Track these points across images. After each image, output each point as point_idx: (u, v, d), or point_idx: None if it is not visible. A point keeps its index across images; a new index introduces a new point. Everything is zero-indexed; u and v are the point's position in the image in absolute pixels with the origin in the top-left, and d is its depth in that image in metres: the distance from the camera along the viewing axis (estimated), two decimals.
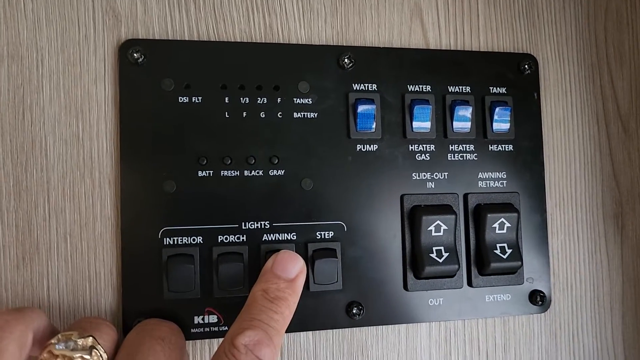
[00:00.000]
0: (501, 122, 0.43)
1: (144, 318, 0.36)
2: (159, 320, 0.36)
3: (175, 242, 0.37)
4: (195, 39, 0.39)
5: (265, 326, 0.31)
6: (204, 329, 0.37)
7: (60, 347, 0.29)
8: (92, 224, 0.37)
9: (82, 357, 0.29)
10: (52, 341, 0.29)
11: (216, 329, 0.38)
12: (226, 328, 0.38)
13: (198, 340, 0.39)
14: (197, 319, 0.37)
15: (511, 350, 0.44)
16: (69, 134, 0.37)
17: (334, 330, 0.41)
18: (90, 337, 0.30)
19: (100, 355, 0.30)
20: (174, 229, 0.37)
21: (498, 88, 0.44)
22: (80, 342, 0.29)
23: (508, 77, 0.44)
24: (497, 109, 0.42)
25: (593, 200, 0.46)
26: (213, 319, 0.38)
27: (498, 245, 0.42)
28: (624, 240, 0.47)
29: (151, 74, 0.38)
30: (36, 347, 0.30)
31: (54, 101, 0.37)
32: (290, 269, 0.35)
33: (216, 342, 0.39)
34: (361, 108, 0.40)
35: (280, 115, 0.39)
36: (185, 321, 0.37)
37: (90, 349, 0.29)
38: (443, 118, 0.42)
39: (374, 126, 0.41)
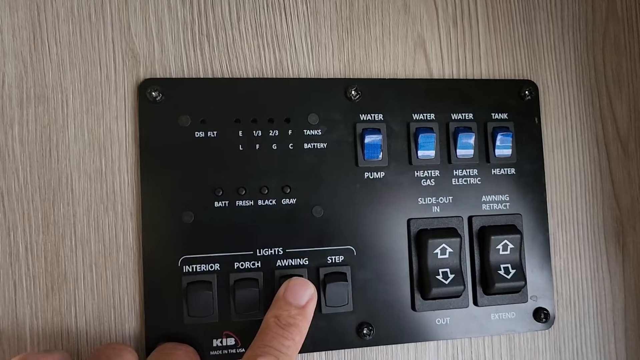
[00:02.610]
0: (503, 148, 0.44)
1: (165, 342, 0.38)
2: (176, 343, 0.38)
3: (194, 270, 0.39)
4: (210, 76, 0.41)
5: (277, 352, 0.33)
6: (222, 352, 0.39)
7: None
8: (116, 254, 0.39)
9: None
10: None
11: (234, 351, 0.40)
12: (243, 350, 0.40)
13: None
14: (216, 342, 0.39)
15: None
16: (93, 169, 0.39)
17: (346, 350, 0.42)
18: None
19: None
20: (192, 257, 0.39)
21: (500, 114, 0.45)
22: None
23: (509, 103, 0.46)
24: (499, 136, 0.44)
25: (594, 219, 0.48)
26: (231, 341, 0.40)
27: (502, 265, 0.43)
28: (625, 257, 0.48)
29: (169, 111, 0.40)
30: None
31: (78, 139, 0.39)
32: (301, 296, 0.37)
33: None
34: (368, 138, 0.42)
35: (291, 146, 0.41)
36: (205, 344, 0.39)
37: None
38: (447, 144, 0.44)
39: (380, 155, 0.43)
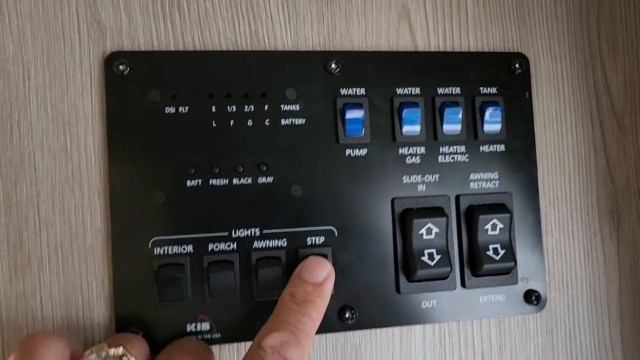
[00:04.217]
0: (492, 123, 0.42)
1: (136, 328, 0.37)
2: (189, 338, 0.37)
3: (166, 252, 0.38)
4: (181, 49, 0.39)
5: (293, 328, 0.32)
6: (196, 337, 0.38)
7: (93, 357, 0.31)
8: (83, 236, 0.37)
9: None
10: (85, 353, 0.31)
11: (209, 336, 0.38)
12: (219, 335, 0.38)
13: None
14: (190, 327, 0.38)
15: (507, 350, 0.44)
16: (57, 147, 0.37)
17: (327, 334, 0.41)
18: (121, 347, 0.32)
19: None
20: (164, 238, 0.38)
21: (488, 88, 0.43)
22: (111, 351, 0.32)
23: (499, 77, 0.44)
24: (488, 110, 0.42)
25: (588, 197, 0.46)
26: (206, 326, 0.38)
27: (491, 246, 0.41)
28: (620, 236, 0.46)
29: (137, 86, 0.38)
30: None
31: (42, 115, 0.37)
32: (317, 274, 0.36)
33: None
34: (349, 114, 0.40)
35: (268, 122, 0.40)
36: (178, 329, 0.38)
37: (121, 358, 0.32)
38: (433, 120, 0.42)
39: (362, 131, 0.41)
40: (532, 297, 0.43)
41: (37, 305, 0.37)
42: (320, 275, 0.36)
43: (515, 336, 0.44)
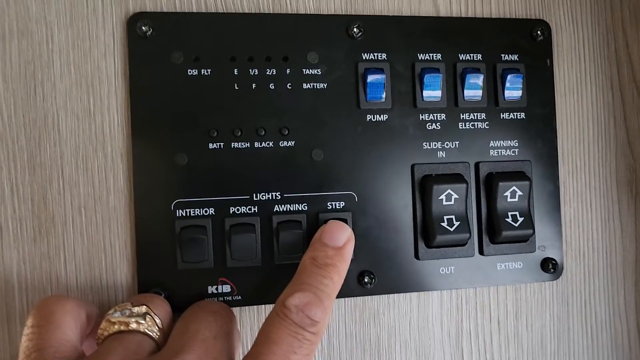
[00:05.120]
0: (513, 90, 0.42)
1: (159, 289, 0.37)
2: (211, 300, 0.38)
3: (188, 214, 0.38)
4: (204, 11, 0.39)
5: (315, 289, 0.33)
6: (217, 299, 0.38)
7: (117, 315, 0.32)
8: (106, 197, 0.38)
9: (137, 321, 0.32)
10: (109, 312, 0.32)
11: (230, 298, 0.38)
12: (239, 297, 0.38)
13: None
14: (211, 289, 0.38)
15: (523, 317, 0.44)
16: (81, 108, 0.37)
17: (346, 298, 0.41)
18: (144, 306, 0.33)
19: (154, 320, 0.33)
20: (186, 201, 0.38)
21: (510, 55, 0.43)
22: (135, 309, 0.32)
23: (520, 44, 0.43)
24: (509, 76, 0.42)
25: (606, 167, 0.46)
26: (227, 288, 0.38)
27: (510, 213, 0.41)
28: (637, 207, 0.46)
29: (160, 47, 0.38)
30: (92, 333, 0.34)
31: (65, 76, 0.37)
32: (338, 238, 0.36)
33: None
34: (371, 78, 0.40)
35: (289, 86, 0.39)
36: (200, 291, 0.38)
37: (144, 315, 0.32)
38: (454, 86, 0.42)
39: (383, 96, 0.40)
40: (549, 266, 0.43)
41: (60, 266, 0.37)
42: (341, 239, 0.36)
43: (531, 304, 0.44)
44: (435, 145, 0.42)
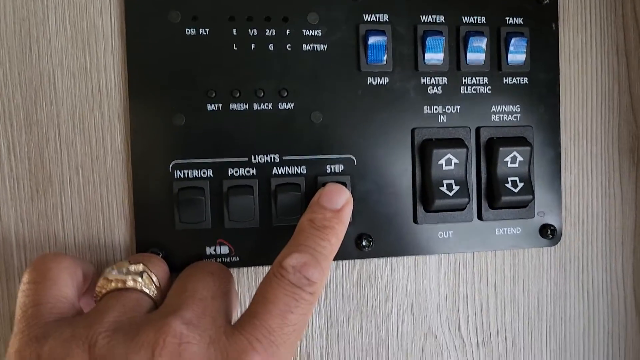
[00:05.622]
0: (517, 54, 0.42)
1: (156, 249, 0.37)
2: (209, 260, 0.38)
3: (186, 175, 0.38)
4: None
5: (312, 250, 0.33)
6: (215, 260, 0.38)
7: (114, 273, 0.32)
8: (103, 156, 0.37)
9: (134, 279, 0.32)
10: (107, 269, 0.33)
11: (228, 259, 0.38)
12: (237, 259, 0.38)
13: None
14: (209, 250, 0.38)
15: (520, 282, 0.44)
16: (77, 66, 0.37)
17: (344, 261, 0.41)
18: (142, 264, 0.33)
19: (152, 278, 0.33)
20: (184, 162, 0.37)
21: (514, 19, 0.42)
22: (132, 268, 0.33)
23: (525, 7, 0.42)
24: (512, 40, 0.41)
25: (609, 134, 0.45)
26: (224, 250, 0.38)
27: (509, 179, 0.41)
28: (638, 174, 0.46)
29: (157, 6, 0.37)
30: (89, 291, 0.34)
31: (60, 33, 0.37)
32: (336, 200, 0.36)
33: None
34: (372, 39, 0.39)
35: (289, 47, 0.39)
36: (197, 252, 0.38)
37: (142, 274, 0.33)
38: (456, 50, 0.41)
39: (384, 58, 0.40)
40: (547, 232, 0.43)
41: (58, 224, 0.37)
42: (339, 202, 0.36)
43: (528, 269, 0.44)
44: (436, 109, 0.41)
